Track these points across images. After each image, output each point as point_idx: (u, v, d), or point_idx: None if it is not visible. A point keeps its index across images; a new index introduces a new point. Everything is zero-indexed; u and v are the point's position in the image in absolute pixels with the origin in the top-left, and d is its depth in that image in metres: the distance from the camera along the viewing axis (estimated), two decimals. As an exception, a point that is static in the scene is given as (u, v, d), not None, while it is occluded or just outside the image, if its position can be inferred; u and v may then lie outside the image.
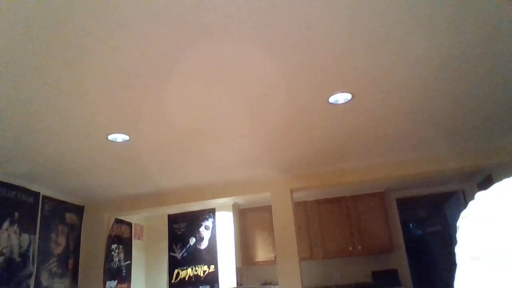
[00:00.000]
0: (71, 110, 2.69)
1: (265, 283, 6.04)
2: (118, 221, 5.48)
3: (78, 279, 4.81)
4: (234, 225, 5.84)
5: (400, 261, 5.85)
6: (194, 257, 5.82)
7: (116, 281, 5.20)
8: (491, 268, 0.42)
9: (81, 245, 4.95)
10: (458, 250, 0.48)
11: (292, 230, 4.63)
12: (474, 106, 3.19)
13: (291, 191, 4.82)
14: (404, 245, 5.93)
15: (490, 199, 0.47)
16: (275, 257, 4.88)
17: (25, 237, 4.02)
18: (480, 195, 0.49)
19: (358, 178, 4.67)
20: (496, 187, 0.48)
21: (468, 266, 0.45)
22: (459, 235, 0.49)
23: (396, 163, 4.60)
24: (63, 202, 4.71)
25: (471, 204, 0.50)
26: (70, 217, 4.82)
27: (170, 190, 4.94)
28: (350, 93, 2.79)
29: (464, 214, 0.50)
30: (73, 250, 4.80)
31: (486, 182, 5.45)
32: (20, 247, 3.93)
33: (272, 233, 5.66)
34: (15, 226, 3.90)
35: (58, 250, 4.52)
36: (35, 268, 4.10)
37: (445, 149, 4.27)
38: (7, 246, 3.76)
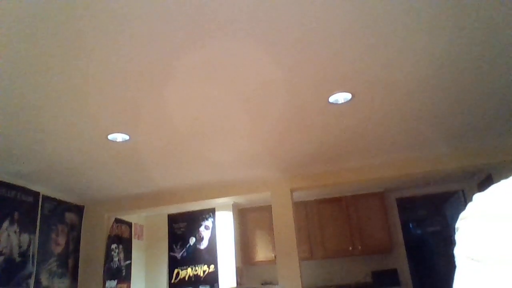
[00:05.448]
0: (71, 109, 2.69)
1: (265, 283, 6.04)
2: (118, 221, 5.48)
3: (78, 279, 4.81)
4: (234, 225, 5.84)
5: (400, 261, 5.85)
6: (194, 257, 5.82)
7: (116, 281, 5.20)
8: (490, 270, 0.42)
9: (81, 245, 4.95)
10: (457, 251, 0.48)
11: (292, 230, 4.63)
12: (474, 106, 3.19)
13: (291, 191, 4.82)
14: (404, 245, 5.93)
15: (488, 200, 0.47)
16: (275, 257, 4.88)
17: (25, 237, 4.02)
18: (478, 197, 0.49)
19: (358, 177, 4.67)
20: (493, 189, 0.48)
21: (467, 268, 0.45)
22: (458, 237, 0.49)
23: (396, 163, 4.60)
24: (63, 201, 4.70)
25: (469, 205, 0.50)
26: (70, 217, 4.82)
27: (170, 190, 4.94)
28: (350, 92, 2.79)
29: (463, 216, 0.50)
30: (73, 250, 4.80)
31: (486, 182, 5.45)
32: (20, 247, 3.93)
33: (272, 233, 5.66)
34: (15, 226, 3.89)
35: (58, 250, 4.52)
36: (35, 268, 4.10)
37: (445, 149, 4.28)
38: (7, 246, 3.76)
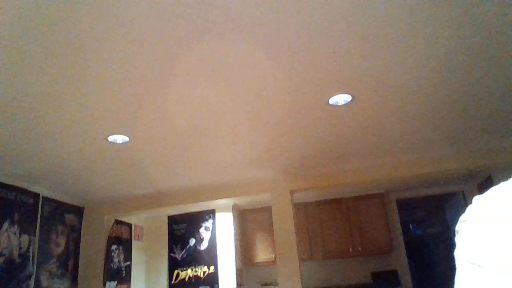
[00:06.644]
0: (71, 111, 2.69)
1: (265, 284, 6.04)
2: (118, 222, 5.47)
3: (78, 280, 4.81)
4: (234, 226, 5.84)
5: (400, 262, 5.85)
6: (194, 258, 5.82)
7: (116, 282, 5.20)
8: (490, 276, 0.42)
9: (81, 246, 4.95)
10: (458, 254, 0.48)
11: (292, 231, 4.63)
12: (474, 107, 3.19)
13: (291, 192, 4.82)
14: (404, 246, 5.93)
15: (488, 203, 0.47)
16: (275, 258, 4.88)
17: (25, 238, 4.01)
18: (477, 199, 0.49)
19: (358, 179, 4.66)
20: (493, 191, 0.48)
21: (467, 273, 0.45)
22: (458, 240, 0.49)
23: (396, 164, 4.60)
24: (63, 203, 4.70)
25: (469, 208, 0.49)
26: (70, 218, 4.81)
27: (170, 191, 4.94)
28: (350, 94, 2.80)
29: (463, 218, 0.49)
30: (73, 251, 4.79)
31: (486, 183, 5.45)
32: (20, 248, 3.92)
33: (272, 234, 5.66)
34: (15, 227, 3.89)
35: (58, 251, 4.51)
36: (35, 269, 4.10)
37: (445, 150, 4.28)
38: (7, 247, 3.76)
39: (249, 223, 6.12)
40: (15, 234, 3.89)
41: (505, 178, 0.50)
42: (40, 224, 4.27)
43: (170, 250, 5.98)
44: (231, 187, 4.99)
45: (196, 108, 2.83)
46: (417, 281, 7.00)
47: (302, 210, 6.05)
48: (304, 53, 2.24)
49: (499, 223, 0.44)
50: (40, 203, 4.30)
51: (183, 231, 6.00)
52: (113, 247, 5.25)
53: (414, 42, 2.22)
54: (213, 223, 5.87)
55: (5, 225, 3.78)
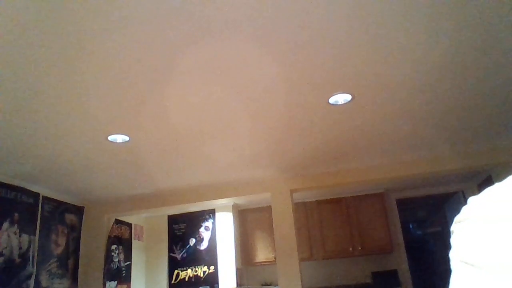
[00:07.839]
0: (71, 110, 2.69)
1: (265, 284, 6.04)
2: (118, 222, 5.47)
3: (78, 279, 4.81)
4: (234, 226, 5.84)
5: (400, 262, 5.85)
6: (194, 258, 5.82)
7: (116, 282, 5.20)
8: (484, 275, 0.42)
9: (81, 246, 4.95)
10: (452, 255, 0.48)
11: (292, 231, 4.63)
12: (474, 107, 3.19)
13: (291, 192, 4.82)
14: (404, 246, 5.93)
15: (483, 203, 0.47)
16: (275, 258, 4.88)
17: (25, 237, 4.01)
18: (472, 200, 0.49)
19: (358, 178, 4.66)
20: (488, 192, 0.48)
21: (461, 272, 0.45)
22: (453, 240, 0.49)
23: (396, 164, 4.60)
24: (63, 202, 4.70)
25: (464, 209, 0.49)
26: (70, 217, 4.81)
27: (170, 191, 4.94)
28: (350, 94, 2.80)
29: (458, 219, 0.49)
30: (73, 251, 4.79)
31: (486, 183, 5.45)
32: (20, 248, 3.92)
33: (272, 233, 5.66)
34: (15, 227, 3.89)
35: (58, 250, 4.51)
36: (35, 268, 4.10)
37: (445, 149, 4.28)
38: (6, 247, 3.76)
39: (249, 223, 6.12)
40: (15, 234, 3.89)
41: (505, 178, 0.50)
42: (40, 224, 4.26)
43: (170, 250, 5.98)
44: (231, 187, 4.99)
45: (196, 108, 2.83)
46: (417, 281, 7.00)
47: (302, 209, 6.05)
48: (304, 52, 2.24)
49: (494, 223, 0.44)
50: (40, 202, 4.30)
51: (183, 231, 6.00)
52: (113, 246, 5.25)
53: (414, 41, 2.22)
54: (213, 223, 5.87)
55: (5, 225, 3.78)
